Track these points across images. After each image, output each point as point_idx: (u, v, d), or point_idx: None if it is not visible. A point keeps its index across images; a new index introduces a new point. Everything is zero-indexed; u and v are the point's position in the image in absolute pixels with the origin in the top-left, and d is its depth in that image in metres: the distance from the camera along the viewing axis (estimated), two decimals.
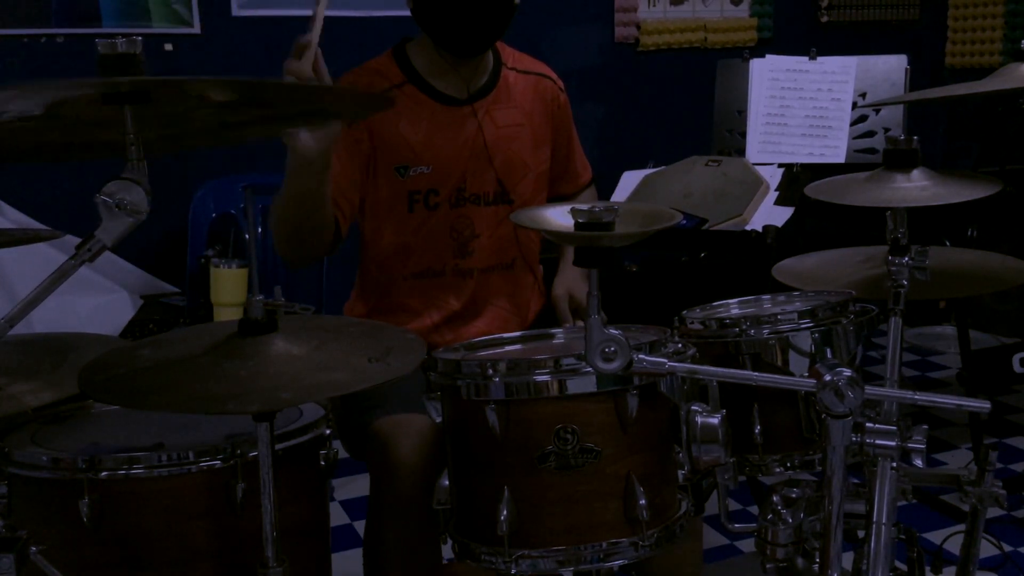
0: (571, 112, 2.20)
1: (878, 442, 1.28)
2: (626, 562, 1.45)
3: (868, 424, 1.28)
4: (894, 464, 1.29)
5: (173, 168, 3.68)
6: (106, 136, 1.32)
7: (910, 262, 1.71)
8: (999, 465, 2.38)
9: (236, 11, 3.84)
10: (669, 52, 4.59)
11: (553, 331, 1.79)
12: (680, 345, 1.55)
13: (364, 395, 1.81)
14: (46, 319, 2.58)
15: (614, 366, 1.28)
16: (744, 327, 1.68)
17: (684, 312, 1.80)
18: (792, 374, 1.68)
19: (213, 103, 1.27)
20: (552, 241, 1.94)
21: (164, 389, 1.32)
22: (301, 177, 1.74)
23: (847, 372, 1.22)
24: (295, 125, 1.59)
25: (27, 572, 1.29)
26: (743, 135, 3.32)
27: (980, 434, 3.17)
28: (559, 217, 1.38)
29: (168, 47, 3.76)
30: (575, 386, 1.40)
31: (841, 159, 3.17)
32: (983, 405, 1.24)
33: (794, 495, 1.65)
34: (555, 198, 2.25)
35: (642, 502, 1.41)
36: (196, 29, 3.79)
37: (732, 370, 1.44)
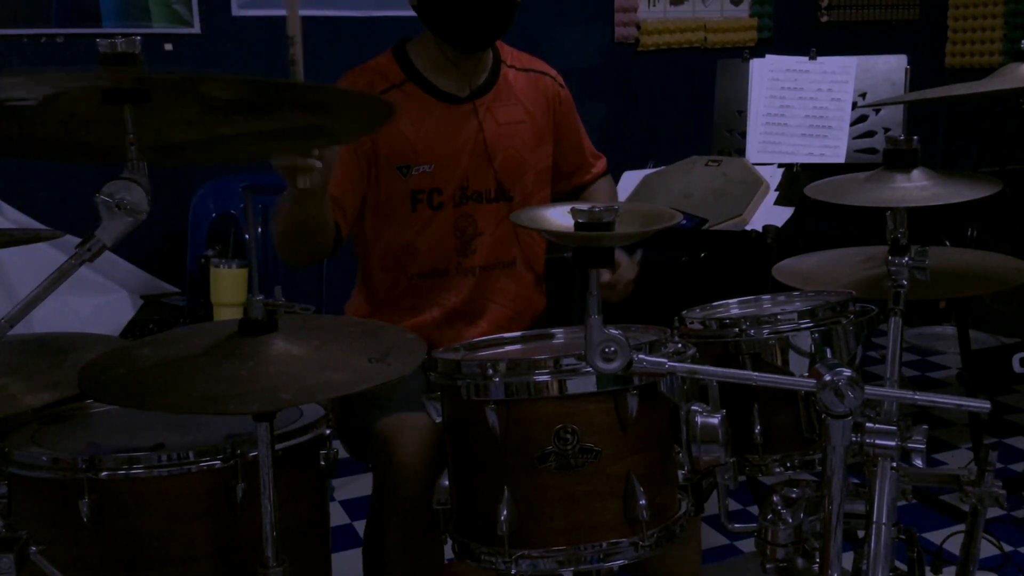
0: (574, 106, 2.20)
1: (878, 442, 1.28)
2: (626, 562, 1.45)
3: (868, 424, 1.28)
4: (894, 464, 1.29)
5: (173, 168, 3.67)
6: (99, 139, 1.32)
7: (910, 262, 1.71)
8: (999, 465, 2.38)
9: (236, 11, 3.84)
10: (669, 52, 4.59)
11: (553, 331, 1.79)
12: (680, 345, 1.54)
13: (365, 396, 1.80)
14: (46, 319, 2.57)
15: (614, 366, 1.28)
16: (744, 327, 1.68)
17: (684, 312, 1.80)
18: (792, 374, 1.68)
19: (214, 104, 1.27)
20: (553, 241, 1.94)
21: (164, 389, 1.32)
22: (300, 204, 1.73)
23: (847, 372, 1.22)
24: (297, 145, 1.58)
25: (27, 572, 1.29)
26: (743, 135, 3.32)
27: (980, 434, 3.17)
28: (559, 217, 1.38)
29: (168, 47, 3.76)
30: (575, 386, 1.40)
31: (841, 159, 3.17)
32: (983, 405, 1.24)
33: (794, 495, 1.65)
34: (574, 190, 2.24)
35: (642, 502, 1.41)
36: (196, 29, 3.79)
37: (732, 370, 1.44)
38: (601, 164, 2.30)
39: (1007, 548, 2.48)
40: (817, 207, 1.80)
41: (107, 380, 1.35)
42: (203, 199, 3.66)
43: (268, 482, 1.34)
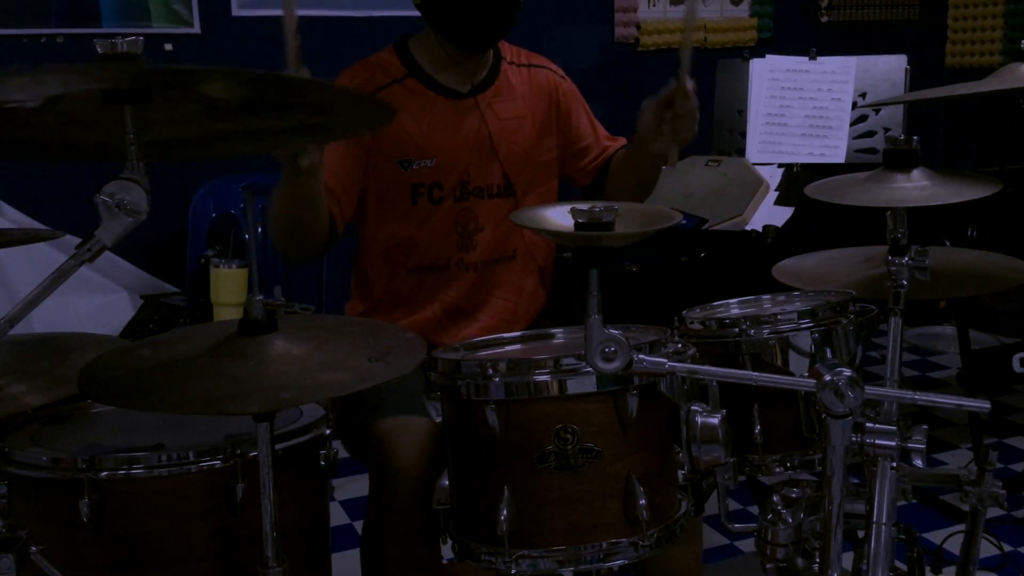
0: (580, 96, 2.19)
1: (878, 442, 1.28)
2: (626, 562, 1.45)
3: (868, 424, 1.28)
4: (894, 464, 1.29)
5: (173, 168, 3.68)
6: (96, 137, 1.32)
7: (910, 262, 1.71)
8: (999, 465, 2.38)
9: (236, 11, 3.85)
10: (669, 52, 4.59)
11: (553, 331, 1.78)
12: (680, 345, 1.54)
13: (364, 397, 1.81)
14: (46, 319, 2.58)
15: (614, 366, 1.28)
16: (744, 327, 1.68)
17: (684, 312, 1.79)
18: (792, 374, 1.68)
19: (215, 104, 1.27)
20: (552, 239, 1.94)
21: (164, 389, 1.32)
22: (296, 183, 1.73)
23: (847, 372, 1.22)
24: (294, 142, 1.58)
25: (27, 572, 1.29)
26: (743, 135, 3.32)
27: (980, 434, 3.17)
28: (559, 217, 1.38)
29: (168, 47, 3.76)
30: (575, 386, 1.40)
31: (841, 159, 3.18)
32: (983, 405, 1.24)
33: (794, 495, 1.65)
34: (601, 167, 2.18)
35: (642, 502, 1.40)
36: (196, 29, 3.79)
37: (732, 370, 1.44)
38: (619, 141, 2.23)
39: (1007, 548, 2.48)
40: (817, 207, 1.80)
41: (107, 380, 1.35)
42: (203, 199, 3.66)
43: (268, 482, 1.34)
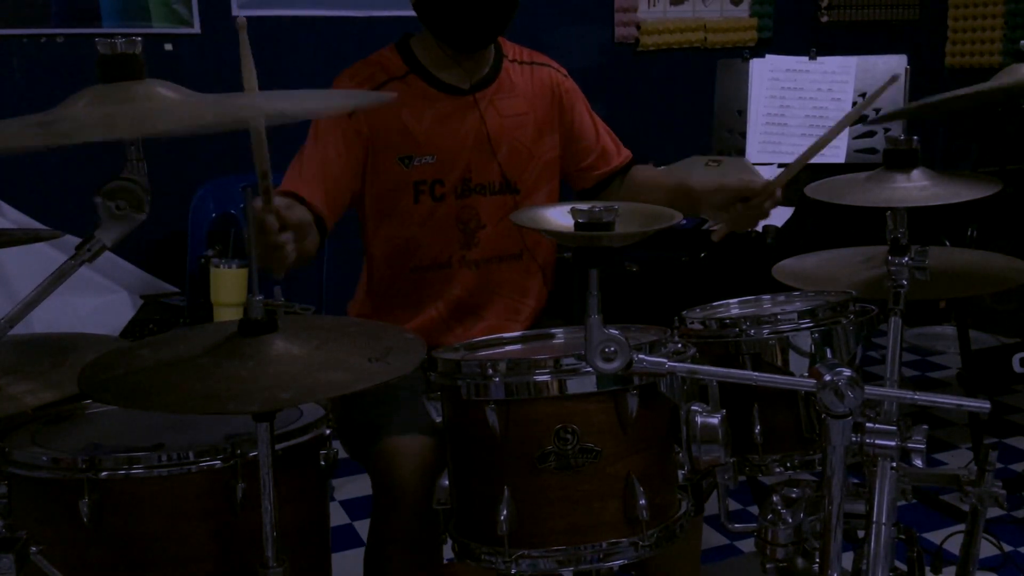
0: (582, 96, 2.19)
1: (878, 442, 1.28)
2: (626, 562, 1.45)
3: (868, 424, 1.28)
4: (894, 464, 1.29)
5: (173, 168, 3.68)
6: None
7: (910, 262, 1.71)
8: (999, 465, 2.38)
9: (236, 11, 3.84)
10: (669, 52, 4.59)
11: (553, 331, 1.79)
12: (680, 345, 1.55)
13: (365, 396, 1.81)
14: (46, 319, 2.58)
15: (614, 366, 1.28)
16: (744, 327, 1.68)
17: (684, 312, 1.79)
18: (792, 374, 1.68)
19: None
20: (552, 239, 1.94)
21: (164, 389, 1.32)
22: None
23: (847, 372, 1.22)
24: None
25: (27, 572, 1.29)
26: (743, 135, 3.32)
27: (980, 434, 3.17)
28: (559, 217, 1.38)
29: (168, 47, 3.76)
30: (575, 386, 1.40)
31: (841, 159, 3.18)
32: (983, 405, 1.24)
33: (794, 495, 1.65)
34: (599, 183, 2.18)
35: (642, 502, 1.41)
36: (196, 29, 3.79)
37: (732, 370, 1.44)
38: (624, 155, 2.22)
39: (1007, 548, 2.48)
40: (817, 207, 1.80)
41: (107, 380, 1.35)
42: (203, 199, 3.66)
43: (268, 482, 1.34)
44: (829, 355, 1.68)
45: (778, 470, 1.69)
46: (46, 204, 3.50)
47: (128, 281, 3.41)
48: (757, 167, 3.06)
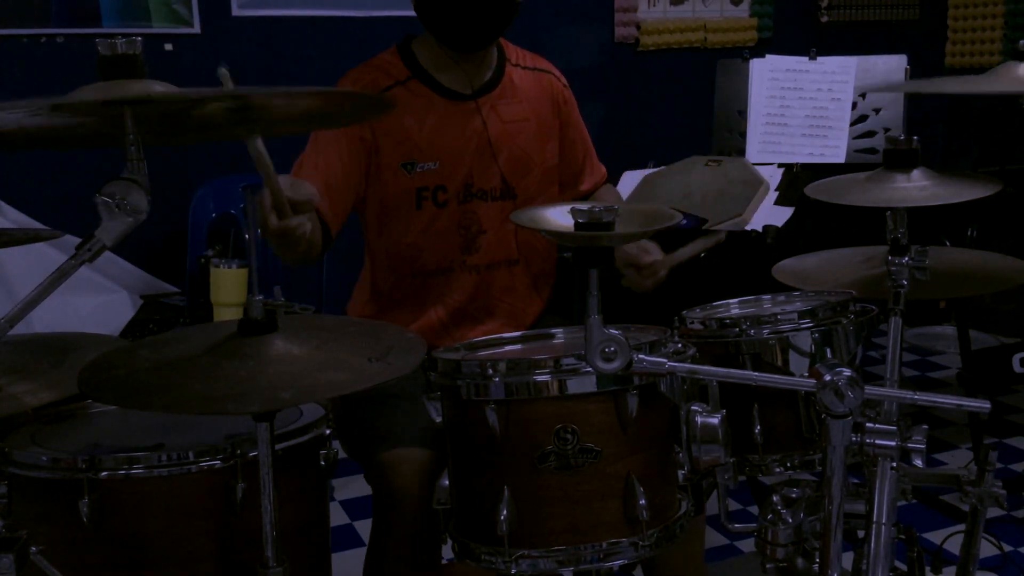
0: (577, 108, 2.20)
1: (878, 442, 1.28)
2: (626, 562, 1.45)
3: (868, 424, 1.28)
4: (894, 464, 1.29)
5: (173, 168, 3.68)
6: (101, 128, 1.32)
7: (910, 262, 1.71)
8: (999, 465, 2.38)
9: (236, 11, 3.84)
10: (669, 52, 4.59)
11: (553, 331, 1.79)
12: (680, 345, 1.54)
13: (365, 396, 1.81)
14: (46, 319, 2.58)
15: (614, 366, 1.28)
16: (744, 327, 1.68)
17: (684, 312, 1.79)
18: (792, 374, 1.68)
19: (212, 107, 1.27)
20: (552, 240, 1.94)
21: (164, 389, 1.32)
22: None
23: (847, 372, 1.22)
24: (297, 128, 1.59)
25: (27, 572, 1.29)
26: (743, 135, 3.32)
27: (980, 434, 3.17)
28: (559, 217, 1.38)
29: (168, 47, 3.76)
30: (575, 386, 1.40)
31: (841, 159, 3.17)
32: (983, 405, 1.24)
33: (794, 495, 1.65)
34: (579, 198, 2.21)
35: (642, 502, 1.41)
36: (196, 29, 3.79)
37: (732, 370, 1.44)
38: (599, 175, 2.28)
39: (1007, 548, 2.48)
40: (817, 207, 1.80)
41: (107, 380, 1.35)
42: (203, 199, 3.66)
43: (268, 482, 1.34)
44: (829, 355, 1.68)
45: (778, 470, 1.69)
46: (46, 204, 3.49)
47: (128, 281, 3.41)
48: (757, 167, 3.05)
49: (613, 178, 3.12)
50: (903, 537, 1.69)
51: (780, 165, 3.06)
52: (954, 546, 1.80)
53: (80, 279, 2.57)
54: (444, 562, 1.81)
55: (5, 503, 1.46)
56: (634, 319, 1.72)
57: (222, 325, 1.45)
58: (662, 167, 3.19)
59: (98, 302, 3.21)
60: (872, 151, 3.20)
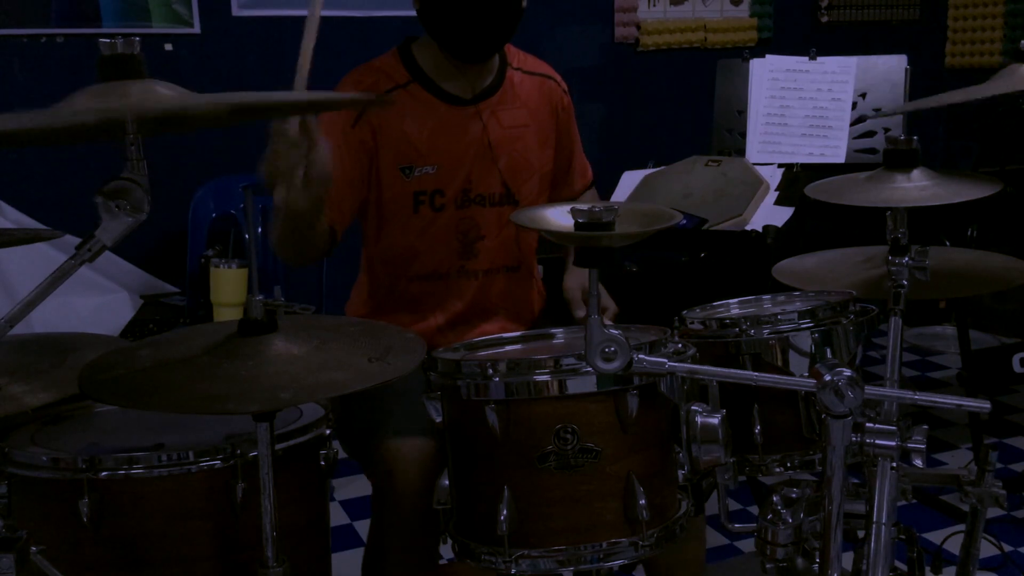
0: (574, 115, 2.20)
1: (878, 442, 1.28)
2: (626, 562, 1.45)
3: (868, 424, 1.28)
4: (894, 464, 1.29)
5: (173, 168, 3.68)
6: (99, 123, 1.31)
7: (910, 262, 1.71)
8: (999, 465, 2.38)
9: (236, 11, 3.85)
10: (669, 52, 4.59)
11: (553, 331, 1.79)
12: (680, 345, 1.54)
13: (365, 396, 1.81)
14: (46, 319, 2.58)
15: (614, 366, 1.28)
16: (744, 327, 1.68)
17: (684, 312, 1.79)
18: (792, 374, 1.68)
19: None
20: (552, 241, 1.94)
21: (164, 389, 1.32)
22: (292, 216, 1.72)
23: (847, 372, 1.22)
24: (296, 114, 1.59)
25: (27, 572, 1.29)
26: (743, 135, 3.32)
27: (980, 434, 3.17)
28: (559, 217, 1.38)
29: (168, 47, 3.76)
30: (575, 386, 1.40)
31: (841, 159, 3.17)
32: (983, 405, 1.24)
33: (794, 495, 1.65)
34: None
35: (642, 502, 1.41)
36: (196, 29, 3.79)
37: (732, 370, 1.44)
38: (587, 177, 2.29)
39: (1007, 548, 2.48)
40: (817, 207, 1.80)
41: (107, 380, 1.35)
42: (203, 199, 3.66)
43: (268, 482, 1.34)
44: (829, 355, 1.68)
45: (778, 470, 1.69)
46: (46, 204, 3.50)
47: (128, 281, 3.41)
48: (757, 167, 3.06)
49: (613, 178, 3.13)
50: (903, 537, 1.69)
51: (780, 165, 3.06)
52: (954, 546, 1.80)
53: (80, 279, 2.57)
54: (444, 562, 1.81)
55: (5, 503, 1.46)
56: (634, 319, 1.72)
57: (222, 325, 1.45)
58: (662, 167, 3.19)
59: (98, 302, 3.21)
60: (872, 151, 3.20)
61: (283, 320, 1.41)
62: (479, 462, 1.47)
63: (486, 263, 2.05)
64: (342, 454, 1.68)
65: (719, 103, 3.47)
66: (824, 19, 4.87)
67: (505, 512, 1.40)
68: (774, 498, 1.65)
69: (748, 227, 2.85)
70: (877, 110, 3.22)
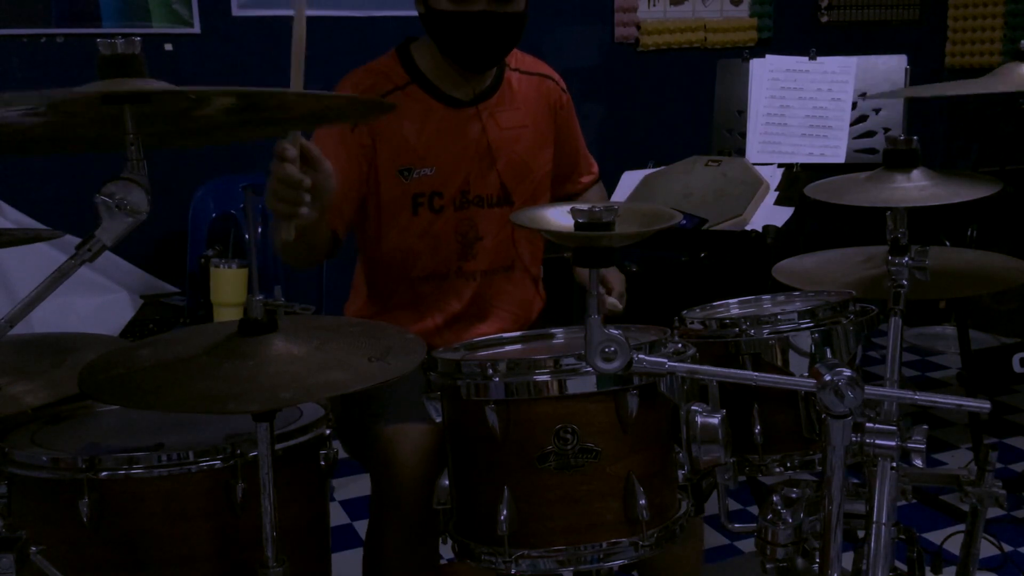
0: (574, 111, 2.20)
1: (878, 442, 1.28)
2: (626, 562, 1.45)
3: (868, 424, 1.28)
4: (894, 464, 1.29)
5: (173, 168, 3.68)
6: (102, 130, 1.32)
7: (910, 262, 1.71)
8: (999, 465, 2.38)
9: (236, 11, 3.85)
10: (669, 52, 4.59)
11: (553, 331, 1.79)
12: (680, 345, 1.54)
13: (365, 395, 1.81)
14: (46, 319, 2.58)
15: (614, 366, 1.28)
16: (744, 327, 1.68)
17: (684, 312, 1.79)
18: (792, 374, 1.68)
19: (213, 106, 1.27)
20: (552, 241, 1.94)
21: (164, 389, 1.32)
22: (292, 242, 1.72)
23: (847, 372, 1.22)
24: (297, 127, 1.59)
25: (27, 572, 1.29)
26: (743, 135, 3.32)
27: (980, 434, 3.17)
28: (559, 217, 1.38)
29: (168, 47, 3.76)
30: (575, 386, 1.40)
31: (841, 159, 3.17)
32: (983, 405, 1.24)
33: (794, 495, 1.65)
34: (565, 197, 2.24)
35: (642, 502, 1.41)
36: (196, 29, 3.79)
37: (732, 370, 1.43)
38: (593, 173, 2.29)
39: (1007, 548, 2.48)
40: (817, 207, 1.80)
41: (107, 380, 1.35)
42: (203, 199, 3.66)
43: (268, 482, 1.34)
44: (829, 355, 1.68)
45: (778, 470, 1.69)
46: (46, 204, 3.50)
47: (128, 281, 3.41)
48: (757, 167, 3.06)
49: (613, 178, 3.13)
50: (903, 537, 1.69)
51: (780, 165, 3.07)
52: (954, 546, 1.80)
53: (80, 279, 2.58)
54: (444, 562, 1.81)
55: (5, 503, 1.46)
56: (634, 319, 1.72)
57: (222, 325, 1.45)
58: (662, 167, 3.19)
59: (98, 302, 3.21)
60: (872, 151, 3.20)
61: (283, 320, 1.41)
62: (479, 462, 1.47)
63: (484, 264, 2.05)
64: (342, 454, 1.68)
65: (719, 103, 3.47)
66: (824, 19, 4.87)
67: (505, 512, 1.40)
68: (774, 498, 1.65)
69: (748, 227, 2.85)
70: (877, 111, 3.22)
